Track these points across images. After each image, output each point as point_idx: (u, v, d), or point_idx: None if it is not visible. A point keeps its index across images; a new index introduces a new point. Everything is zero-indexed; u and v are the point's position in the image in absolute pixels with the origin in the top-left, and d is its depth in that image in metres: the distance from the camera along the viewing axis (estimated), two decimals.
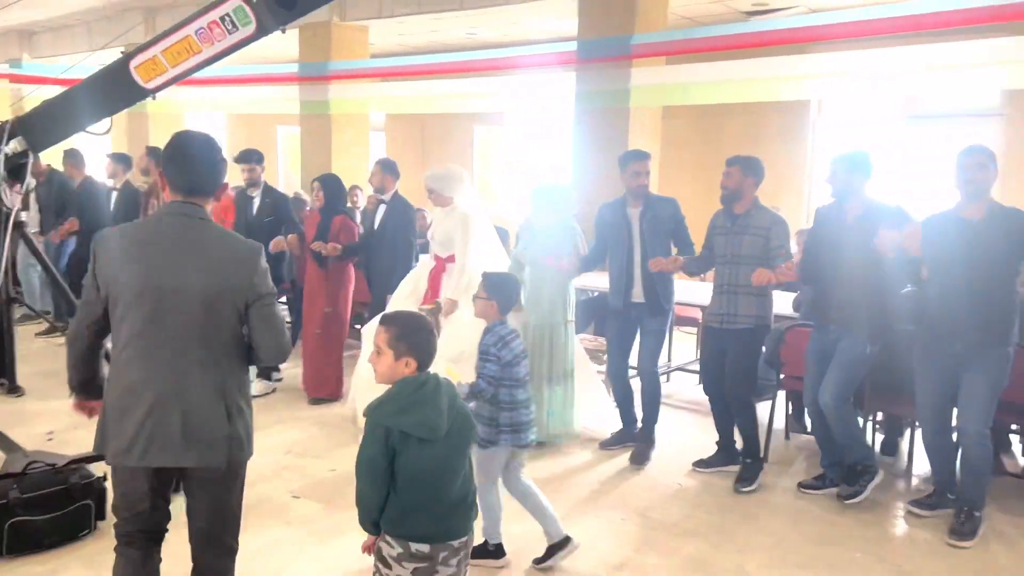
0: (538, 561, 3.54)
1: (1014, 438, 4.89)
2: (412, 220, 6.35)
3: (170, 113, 12.34)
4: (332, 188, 6.34)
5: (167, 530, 2.59)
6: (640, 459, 4.86)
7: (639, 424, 5.07)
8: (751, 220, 4.43)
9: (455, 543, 2.40)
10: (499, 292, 3.44)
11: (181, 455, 2.37)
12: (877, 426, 4.95)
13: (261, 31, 2.70)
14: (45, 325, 7.33)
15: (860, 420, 4.45)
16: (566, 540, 3.53)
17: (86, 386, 2.56)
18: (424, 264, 5.73)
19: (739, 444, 4.66)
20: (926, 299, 4.03)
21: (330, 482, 4.37)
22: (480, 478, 3.11)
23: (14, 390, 5.67)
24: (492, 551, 3.56)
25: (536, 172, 11.51)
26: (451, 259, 5.47)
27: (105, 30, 12.52)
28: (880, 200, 4.20)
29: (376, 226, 6.21)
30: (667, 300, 4.89)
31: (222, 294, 2.39)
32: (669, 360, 6.61)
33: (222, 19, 2.57)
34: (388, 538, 2.36)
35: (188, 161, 2.44)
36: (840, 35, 7.38)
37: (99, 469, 3.67)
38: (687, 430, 5.47)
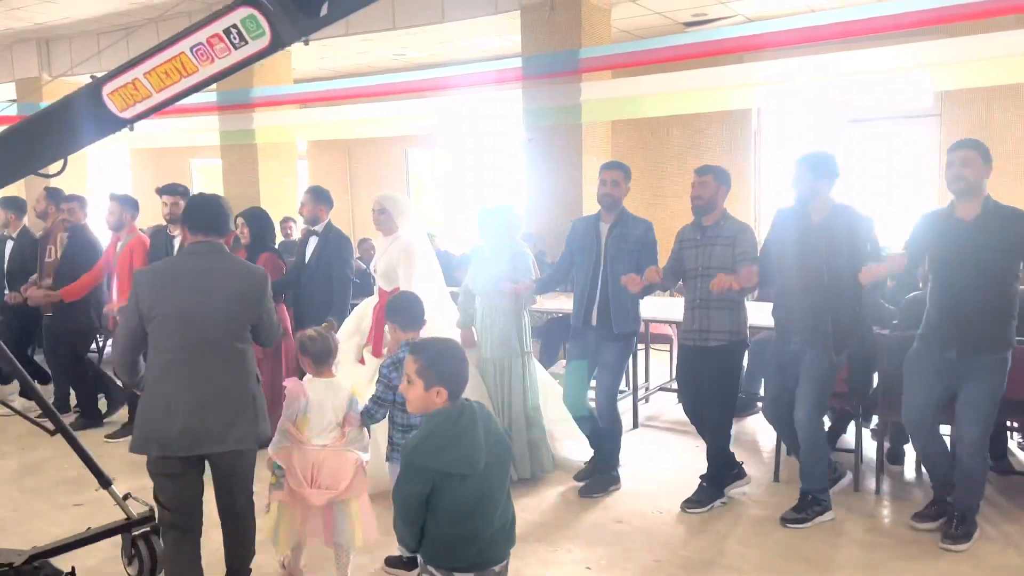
0: (388, 562, 3.63)
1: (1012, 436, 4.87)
2: (349, 252, 5.94)
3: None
4: (258, 223, 5.86)
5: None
6: (589, 490, 4.53)
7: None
8: (720, 231, 4.21)
9: (496, 568, 2.41)
10: (397, 315, 3.61)
11: (219, 442, 2.94)
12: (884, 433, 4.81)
13: (276, 44, 2.27)
14: None
15: (868, 431, 4.31)
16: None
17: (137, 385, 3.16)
18: (368, 302, 5.38)
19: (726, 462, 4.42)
20: (923, 302, 3.91)
21: None
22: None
23: None
24: (406, 562, 3.59)
25: (478, 194, 11.21)
26: (395, 292, 5.14)
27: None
28: (849, 204, 4.02)
29: (308, 259, 5.73)
30: (621, 325, 4.49)
31: (240, 314, 3.03)
32: (647, 381, 6.40)
33: (227, 32, 2.16)
34: (431, 568, 2.37)
35: (208, 211, 3.11)
36: (782, 43, 7.45)
37: (66, 563, 3.18)
38: (672, 455, 5.23)
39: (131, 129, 2.56)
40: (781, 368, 4.12)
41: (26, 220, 6.91)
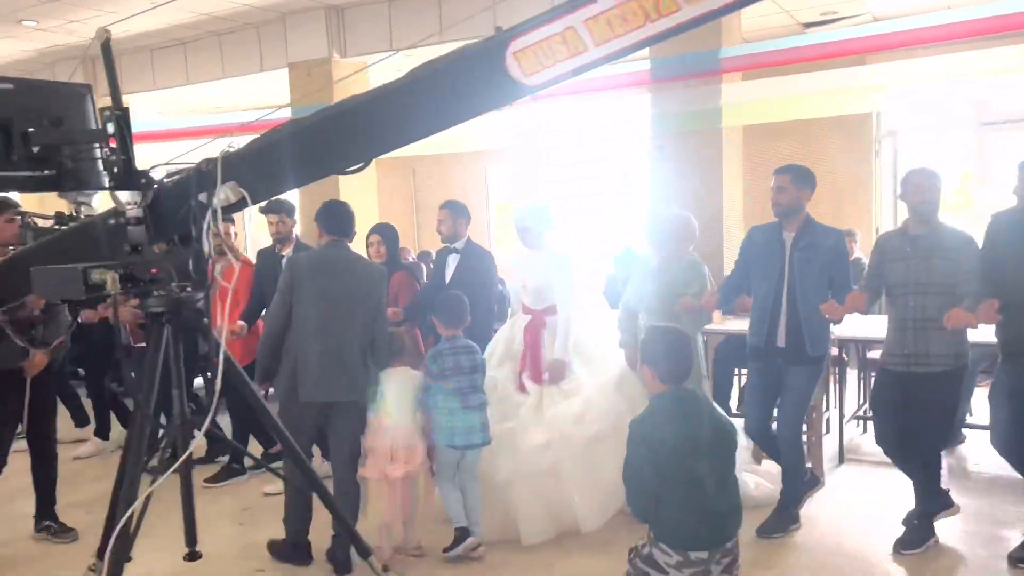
0: (447, 550, 3.94)
1: None
2: (494, 270, 5.38)
3: None
4: (393, 240, 5.37)
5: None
6: (768, 530, 4.11)
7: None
8: (938, 241, 3.78)
9: (729, 544, 2.54)
10: (442, 313, 4.16)
11: (347, 393, 3.79)
12: None
13: None
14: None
15: None
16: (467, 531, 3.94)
17: (270, 374, 3.93)
18: (513, 323, 4.81)
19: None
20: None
21: None
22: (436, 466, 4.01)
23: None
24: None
25: (582, 206, 10.55)
26: (550, 311, 4.60)
27: None
28: None
29: (448, 279, 5.20)
30: (815, 347, 4.06)
31: (365, 298, 3.87)
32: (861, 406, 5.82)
33: None
34: (663, 546, 2.49)
35: (344, 216, 4.06)
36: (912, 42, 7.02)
37: None
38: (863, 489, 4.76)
39: (534, 99, 1.99)
40: (1017, 394, 3.64)
41: None
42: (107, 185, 2.50)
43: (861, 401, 5.81)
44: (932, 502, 3.94)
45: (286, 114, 9.58)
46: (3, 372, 4.01)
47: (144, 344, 5.50)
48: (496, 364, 4.72)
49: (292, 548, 3.93)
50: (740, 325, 5.20)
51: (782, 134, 8.26)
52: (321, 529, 3.91)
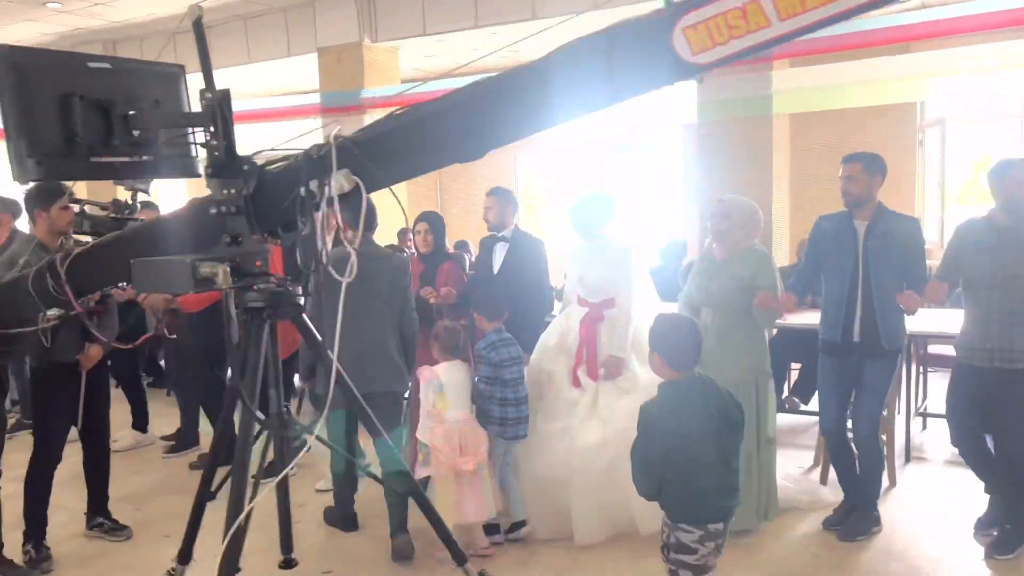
0: (508, 531, 4.06)
1: None
2: (546, 259, 5.22)
3: None
4: (440, 229, 5.22)
5: None
6: (850, 533, 4.00)
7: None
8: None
9: (731, 518, 2.72)
10: (483, 307, 4.22)
11: (386, 383, 4.05)
12: None
13: None
14: None
15: None
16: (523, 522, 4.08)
17: (312, 371, 4.32)
18: (568, 314, 4.66)
19: None
20: None
21: None
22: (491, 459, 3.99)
23: None
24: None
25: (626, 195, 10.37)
26: (607, 304, 4.46)
27: None
28: None
29: (497, 269, 5.04)
30: (892, 340, 3.94)
31: (391, 289, 4.08)
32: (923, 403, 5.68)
33: None
34: (685, 526, 2.63)
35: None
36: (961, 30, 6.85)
37: None
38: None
39: (700, 80, 1.83)
40: None
41: None
42: (204, 172, 2.34)
43: (923, 398, 5.66)
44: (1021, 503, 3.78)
45: (314, 100, 9.43)
46: (59, 366, 3.87)
47: (174, 335, 5.47)
48: (551, 358, 4.58)
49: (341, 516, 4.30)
50: (797, 319, 5.09)
51: (824, 122, 8.10)
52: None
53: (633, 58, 1.82)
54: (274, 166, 2.34)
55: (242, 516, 2.15)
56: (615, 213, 4.61)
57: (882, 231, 3.89)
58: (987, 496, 3.96)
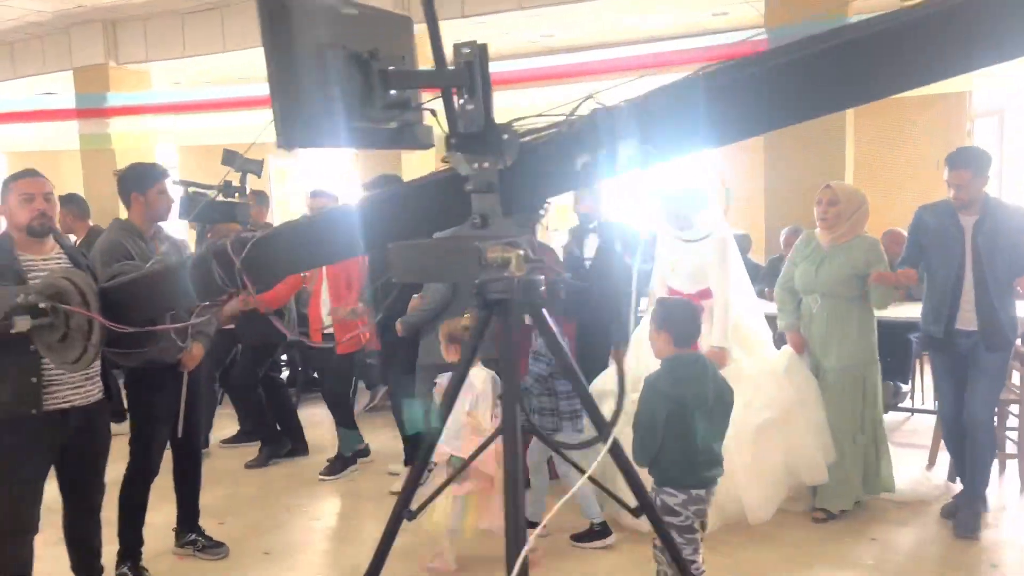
0: (576, 538, 4.00)
1: None
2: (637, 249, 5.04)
3: (138, 148, 10.20)
4: None
5: None
6: (967, 528, 3.95)
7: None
8: None
9: (714, 487, 3.00)
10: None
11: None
12: None
13: None
14: None
15: None
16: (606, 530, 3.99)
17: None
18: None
19: None
20: None
21: None
22: (530, 460, 3.88)
23: None
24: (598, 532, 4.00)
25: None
26: (704, 295, 4.35)
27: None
28: None
29: (588, 261, 4.88)
30: (1009, 330, 3.96)
31: None
32: None
33: None
34: (668, 489, 2.90)
35: None
36: None
37: None
38: None
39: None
40: None
41: None
42: (448, 142, 2.00)
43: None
44: None
45: None
46: (159, 367, 3.47)
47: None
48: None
49: None
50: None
51: (873, 111, 7.95)
52: None
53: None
54: (535, 137, 2.01)
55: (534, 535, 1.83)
56: (708, 203, 4.49)
57: (991, 226, 3.85)
58: None
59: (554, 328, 2.22)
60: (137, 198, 3.51)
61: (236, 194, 3.52)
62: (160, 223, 3.59)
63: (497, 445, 3.35)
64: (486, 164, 1.97)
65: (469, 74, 1.92)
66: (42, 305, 2.49)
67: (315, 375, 6.59)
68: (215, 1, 9.33)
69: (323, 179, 11.54)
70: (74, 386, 3.00)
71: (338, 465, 5.07)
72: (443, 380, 3.81)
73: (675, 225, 4.51)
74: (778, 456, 4.19)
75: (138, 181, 3.50)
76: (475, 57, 1.92)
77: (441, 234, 2.04)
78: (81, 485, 3.13)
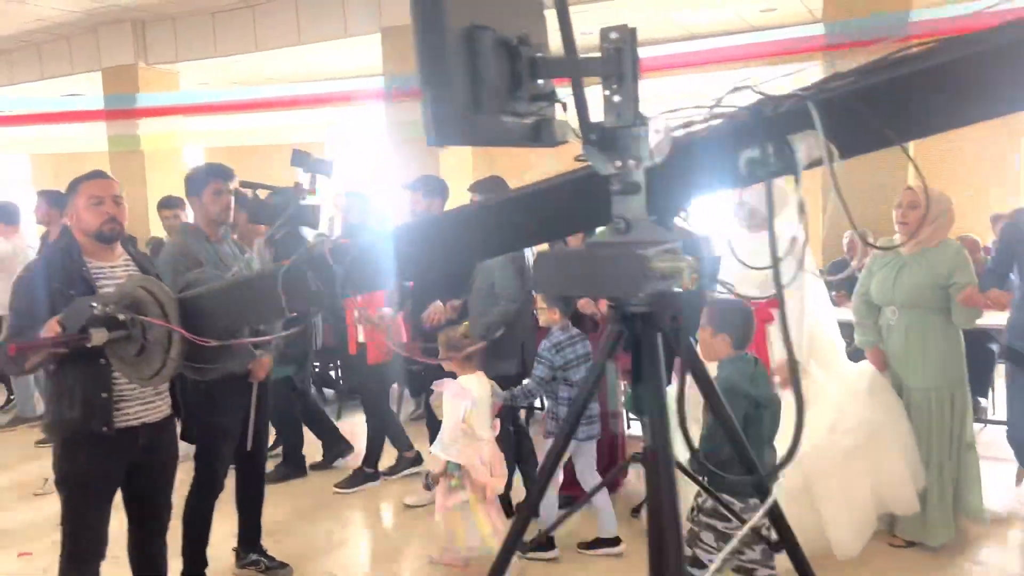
0: (583, 546, 3.91)
1: None
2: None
3: (168, 149, 10.08)
4: None
5: None
6: None
7: None
8: None
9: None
10: (557, 299, 3.92)
11: None
12: None
13: None
14: None
15: None
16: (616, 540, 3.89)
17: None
18: None
19: None
20: None
21: None
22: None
23: None
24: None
25: None
26: (773, 303, 4.08)
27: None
28: None
29: None
30: None
31: None
32: None
33: None
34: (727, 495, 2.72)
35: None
36: None
37: None
38: None
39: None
40: None
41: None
42: (586, 138, 1.80)
43: None
44: None
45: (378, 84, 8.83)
46: (228, 377, 3.27)
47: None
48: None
49: None
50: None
51: None
52: None
53: None
54: (691, 130, 1.81)
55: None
56: (783, 201, 4.24)
57: None
58: None
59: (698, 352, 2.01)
60: (194, 202, 3.39)
61: (303, 197, 3.36)
62: (226, 224, 3.41)
63: (492, 454, 3.58)
64: (631, 162, 1.77)
65: (619, 62, 1.72)
66: (122, 317, 2.30)
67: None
68: (246, 0, 9.19)
69: (351, 180, 11.38)
70: (144, 402, 2.81)
71: (359, 478, 4.90)
72: (440, 387, 3.67)
73: (749, 226, 4.27)
74: (866, 484, 3.87)
75: (191, 185, 3.40)
76: (625, 43, 1.71)
77: (589, 240, 1.85)
78: (150, 506, 2.95)
